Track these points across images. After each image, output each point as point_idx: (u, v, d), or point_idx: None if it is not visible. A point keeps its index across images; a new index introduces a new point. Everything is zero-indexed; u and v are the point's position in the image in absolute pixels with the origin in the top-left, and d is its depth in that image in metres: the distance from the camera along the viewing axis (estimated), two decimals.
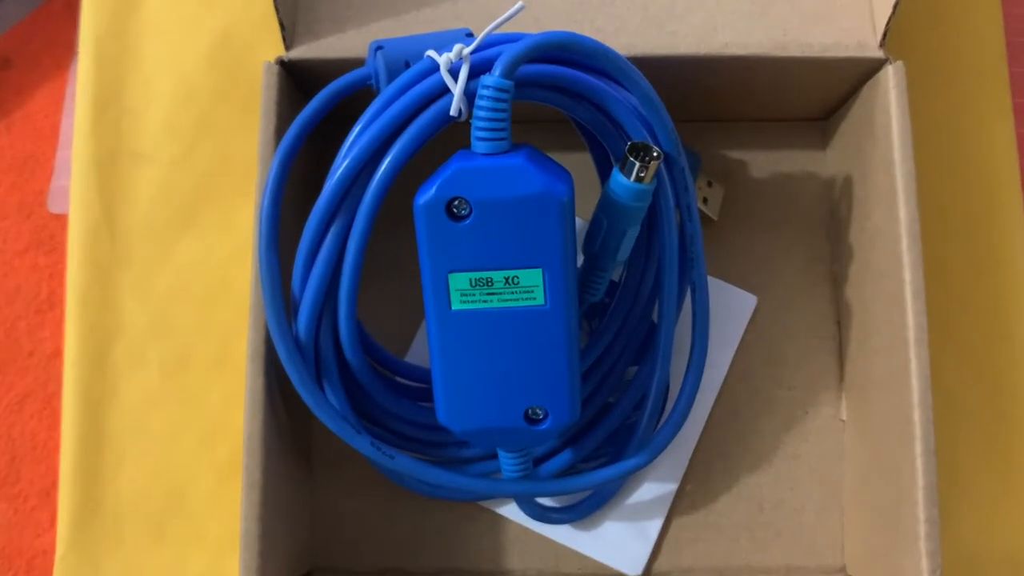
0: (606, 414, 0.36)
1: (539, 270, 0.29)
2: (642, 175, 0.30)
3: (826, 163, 0.41)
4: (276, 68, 0.34)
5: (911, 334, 0.32)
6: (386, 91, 0.30)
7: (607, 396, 0.36)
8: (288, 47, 0.35)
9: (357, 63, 0.34)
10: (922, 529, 0.31)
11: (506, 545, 0.38)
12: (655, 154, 0.29)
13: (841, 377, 0.39)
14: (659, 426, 0.35)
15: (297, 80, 0.36)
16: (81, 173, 0.42)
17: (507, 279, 0.29)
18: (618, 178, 0.30)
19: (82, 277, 0.41)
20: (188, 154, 0.42)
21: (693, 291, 0.34)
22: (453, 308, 0.29)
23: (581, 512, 0.37)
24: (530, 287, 0.29)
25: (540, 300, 0.29)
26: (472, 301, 0.29)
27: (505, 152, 0.29)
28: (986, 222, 0.41)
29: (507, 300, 0.29)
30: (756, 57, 0.34)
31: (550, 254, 0.29)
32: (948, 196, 0.41)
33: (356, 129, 0.30)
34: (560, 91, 0.31)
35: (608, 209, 0.31)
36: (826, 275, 0.40)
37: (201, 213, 0.41)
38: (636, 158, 0.29)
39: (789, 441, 0.39)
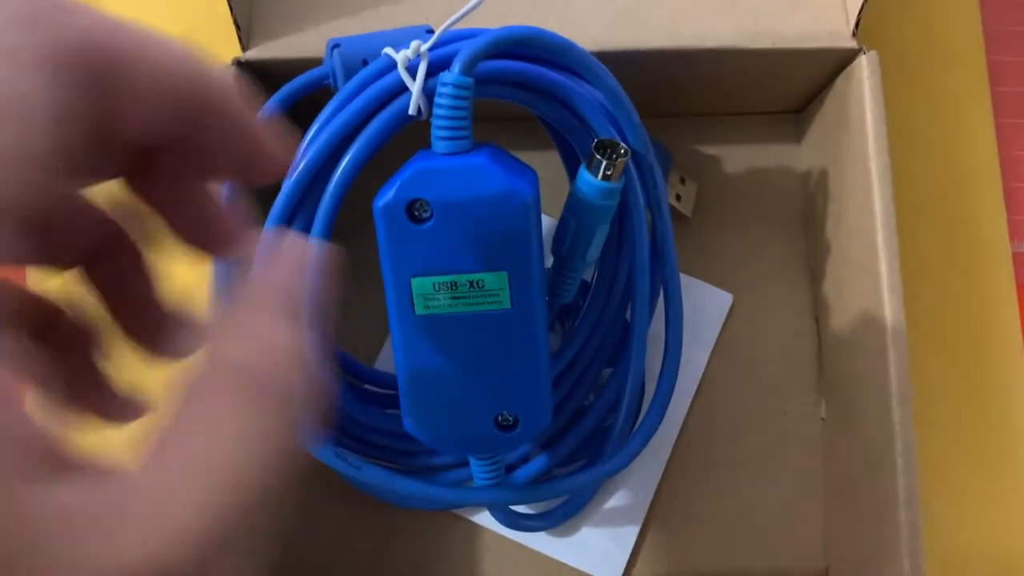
0: (580, 418, 0.35)
1: (504, 273, 0.28)
2: (609, 173, 0.29)
3: (801, 156, 0.40)
4: (233, 69, 0.33)
5: (889, 331, 0.32)
6: (343, 89, 0.29)
7: (581, 399, 0.35)
8: (245, 48, 0.34)
9: (316, 62, 0.33)
10: (903, 531, 0.30)
11: (481, 553, 0.37)
12: (622, 151, 0.28)
13: (820, 375, 0.39)
14: (635, 429, 0.34)
15: (256, 80, 0.35)
16: None
17: (472, 283, 0.28)
18: (585, 176, 0.29)
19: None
20: None
21: (665, 291, 0.33)
22: (417, 313, 0.29)
23: (556, 519, 0.36)
24: (496, 290, 0.28)
25: (506, 304, 0.28)
26: (436, 306, 0.28)
27: (467, 151, 0.28)
28: (965, 214, 0.40)
29: (472, 304, 0.28)
30: (727, 49, 0.33)
31: (515, 256, 0.28)
32: (926, 188, 0.40)
33: (313, 128, 0.29)
34: (524, 88, 0.30)
35: (576, 208, 0.30)
36: (803, 271, 0.39)
37: None
38: (603, 156, 0.28)
39: (768, 441, 0.38)
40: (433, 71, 0.28)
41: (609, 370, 0.35)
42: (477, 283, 0.28)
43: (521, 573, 0.37)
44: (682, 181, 0.39)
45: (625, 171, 0.29)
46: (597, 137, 0.29)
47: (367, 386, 0.35)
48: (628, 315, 0.34)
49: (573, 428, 0.35)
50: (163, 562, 0.12)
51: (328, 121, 0.29)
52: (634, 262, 0.32)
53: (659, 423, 0.34)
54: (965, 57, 0.41)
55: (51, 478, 0.12)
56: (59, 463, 0.13)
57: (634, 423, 0.35)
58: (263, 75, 0.34)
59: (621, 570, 0.36)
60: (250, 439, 0.14)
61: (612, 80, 0.30)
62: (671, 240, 0.32)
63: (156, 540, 0.13)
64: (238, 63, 0.33)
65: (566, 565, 0.37)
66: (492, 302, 0.28)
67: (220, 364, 0.15)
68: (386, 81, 0.28)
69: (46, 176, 0.14)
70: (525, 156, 0.31)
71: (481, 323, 0.29)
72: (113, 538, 0.12)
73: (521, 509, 0.36)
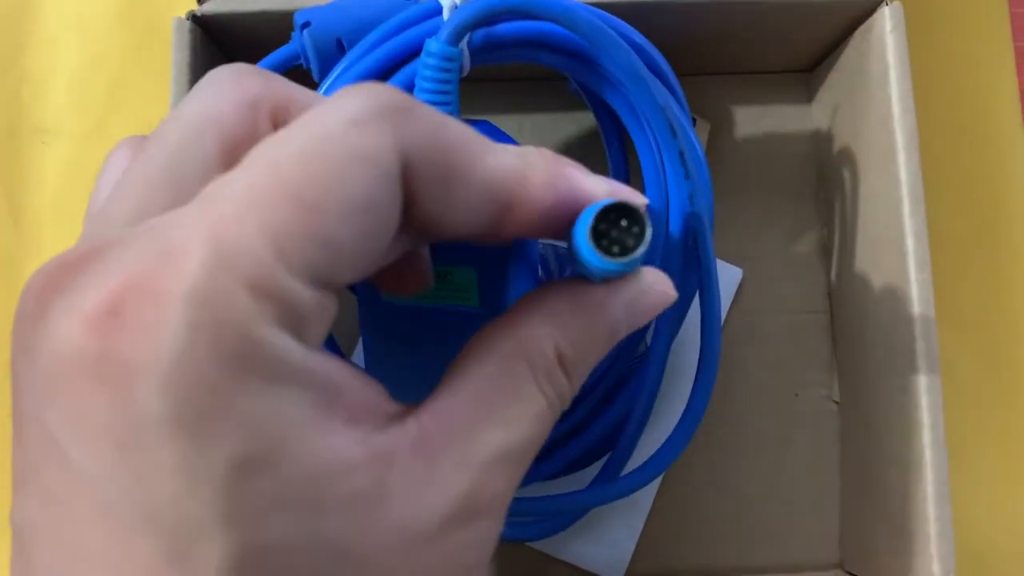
0: (574, 436, 0.31)
1: (471, 269, 0.25)
2: (621, 256, 0.17)
3: (812, 119, 0.37)
4: (188, 24, 0.30)
5: (916, 311, 0.29)
6: (380, 30, 0.26)
7: (575, 421, 0.31)
8: (201, 0, 0.30)
9: (278, 15, 0.30)
10: (933, 528, 0.28)
11: None
12: (635, 231, 0.17)
13: (834, 355, 0.36)
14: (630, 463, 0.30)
15: (213, 36, 0.31)
16: None
17: (439, 274, 0.25)
18: (589, 254, 0.17)
19: None
20: (99, 127, 0.37)
21: (701, 296, 0.28)
22: (383, 298, 0.26)
23: (544, 531, 0.32)
24: (463, 286, 0.25)
25: (474, 302, 0.25)
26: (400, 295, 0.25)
27: None
28: (987, 183, 0.37)
29: (439, 298, 0.25)
30: (741, 1, 0.30)
31: (484, 253, 0.23)
32: (945, 152, 0.37)
33: (339, 68, 0.26)
34: (548, 48, 0.27)
35: (567, 264, 0.26)
36: (815, 243, 0.37)
37: None
38: (616, 231, 0.17)
39: (779, 426, 0.35)
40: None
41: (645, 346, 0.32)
42: (444, 275, 0.25)
43: (517, 570, 0.34)
44: (693, 122, 0.35)
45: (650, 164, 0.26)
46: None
47: None
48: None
49: (565, 447, 0.31)
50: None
51: (357, 61, 0.26)
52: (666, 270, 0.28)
53: (667, 464, 0.29)
54: (987, 9, 0.38)
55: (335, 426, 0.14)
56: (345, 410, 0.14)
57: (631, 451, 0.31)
58: (222, 30, 0.31)
59: (624, 567, 0.34)
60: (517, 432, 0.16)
61: (629, 55, 0.26)
62: (708, 237, 0.27)
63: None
64: (193, 17, 0.30)
65: (567, 563, 0.34)
66: (460, 298, 0.25)
67: (526, 351, 0.16)
68: (428, 27, 0.25)
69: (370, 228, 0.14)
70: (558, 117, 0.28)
71: (446, 318, 0.25)
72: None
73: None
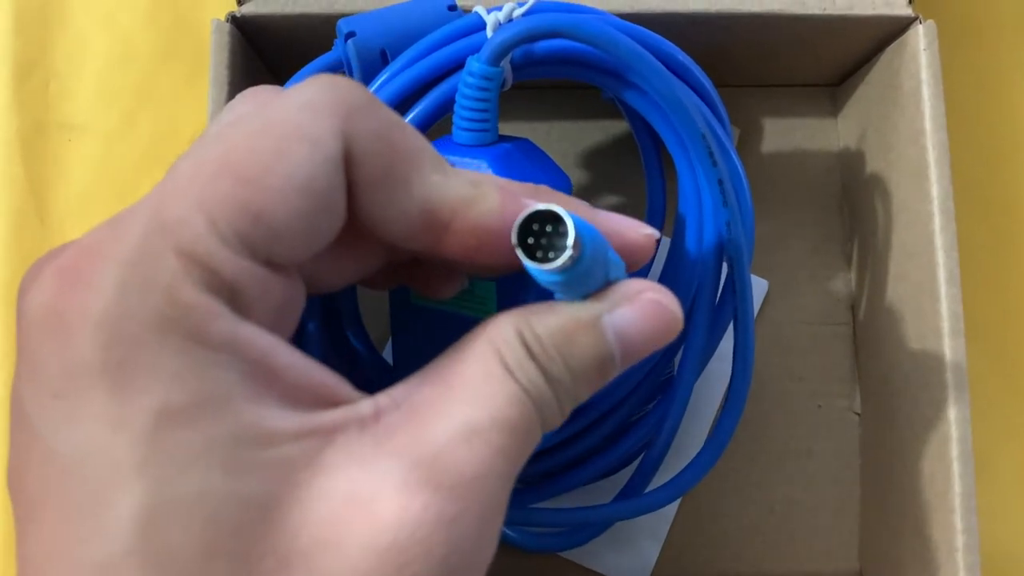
0: (597, 454, 0.31)
1: (491, 282, 0.25)
2: (556, 262, 0.16)
3: (838, 133, 0.38)
4: (227, 26, 0.30)
5: (945, 324, 0.29)
6: (422, 43, 0.26)
7: (598, 439, 0.31)
8: (241, 1, 0.30)
9: (318, 19, 0.30)
10: (960, 540, 0.28)
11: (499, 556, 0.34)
12: (560, 230, 0.16)
13: (856, 367, 0.36)
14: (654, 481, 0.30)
15: (250, 38, 0.31)
16: (3, 148, 0.37)
17: None
18: (524, 262, 0.17)
19: (8, 266, 0.36)
20: (127, 124, 0.37)
21: (735, 323, 0.28)
22: (412, 301, 0.26)
23: (570, 542, 0.33)
24: (483, 298, 0.25)
25: (492, 312, 0.26)
26: (429, 298, 0.26)
27: (488, 144, 0.25)
28: (1009, 195, 0.38)
29: (460, 306, 0.26)
30: (774, 15, 0.31)
31: None
32: (970, 169, 0.38)
33: (381, 77, 0.26)
34: (591, 68, 0.27)
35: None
36: (839, 256, 0.37)
37: (142, 191, 0.36)
38: (545, 239, 0.17)
39: (801, 436, 0.36)
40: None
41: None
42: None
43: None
44: None
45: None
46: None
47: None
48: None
49: (588, 462, 0.31)
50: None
51: (400, 72, 0.26)
52: (691, 309, 0.28)
53: (692, 483, 0.29)
54: (1012, 25, 0.39)
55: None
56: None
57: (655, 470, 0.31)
58: (260, 32, 0.31)
59: (648, 574, 0.34)
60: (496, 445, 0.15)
61: (670, 82, 0.26)
62: (747, 270, 0.28)
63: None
64: (232, 19, 0.30)
65: (590, 570, 0.34)
66: (479, 308, 0.26)
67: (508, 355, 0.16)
68: (470, 41, 0.26)
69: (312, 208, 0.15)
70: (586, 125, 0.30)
71: (467, 325, 0.26)
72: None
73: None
